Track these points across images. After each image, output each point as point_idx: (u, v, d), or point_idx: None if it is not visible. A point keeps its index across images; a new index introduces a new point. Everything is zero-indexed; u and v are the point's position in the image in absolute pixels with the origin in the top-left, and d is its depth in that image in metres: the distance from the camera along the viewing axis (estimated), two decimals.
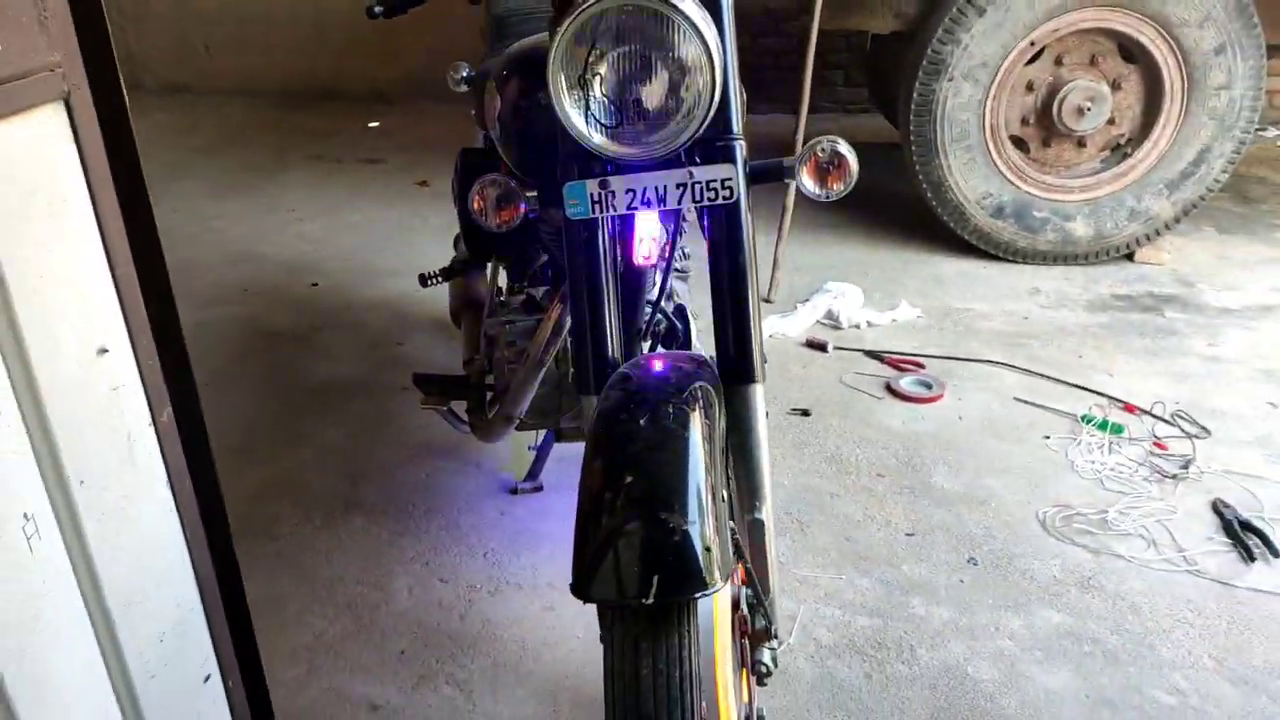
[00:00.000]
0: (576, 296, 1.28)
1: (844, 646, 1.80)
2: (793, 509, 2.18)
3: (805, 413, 2.57)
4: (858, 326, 3.06)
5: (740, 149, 1.23)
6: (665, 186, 1.20)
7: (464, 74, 2.08)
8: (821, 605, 1.90)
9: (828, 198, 1.27)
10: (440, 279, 2.25)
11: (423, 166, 4.27)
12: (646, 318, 1.57)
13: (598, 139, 1.16)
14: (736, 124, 1.24)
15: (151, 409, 0.83)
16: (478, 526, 2.13)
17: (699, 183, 1.20)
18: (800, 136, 3.23)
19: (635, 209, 1.22)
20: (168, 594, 0.89)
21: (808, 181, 1.26)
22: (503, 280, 2.16)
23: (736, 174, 1.20)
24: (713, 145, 1.22)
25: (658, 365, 1.22)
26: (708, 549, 0.95)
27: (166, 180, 4.44)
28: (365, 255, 3.58)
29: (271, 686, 1.72)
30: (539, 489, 2.21)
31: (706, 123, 1.15)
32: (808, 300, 3.19)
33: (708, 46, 1.11)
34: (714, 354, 1.30)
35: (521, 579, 1.98)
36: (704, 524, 0.96)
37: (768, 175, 1.27)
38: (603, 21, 1.12)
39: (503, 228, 1.37)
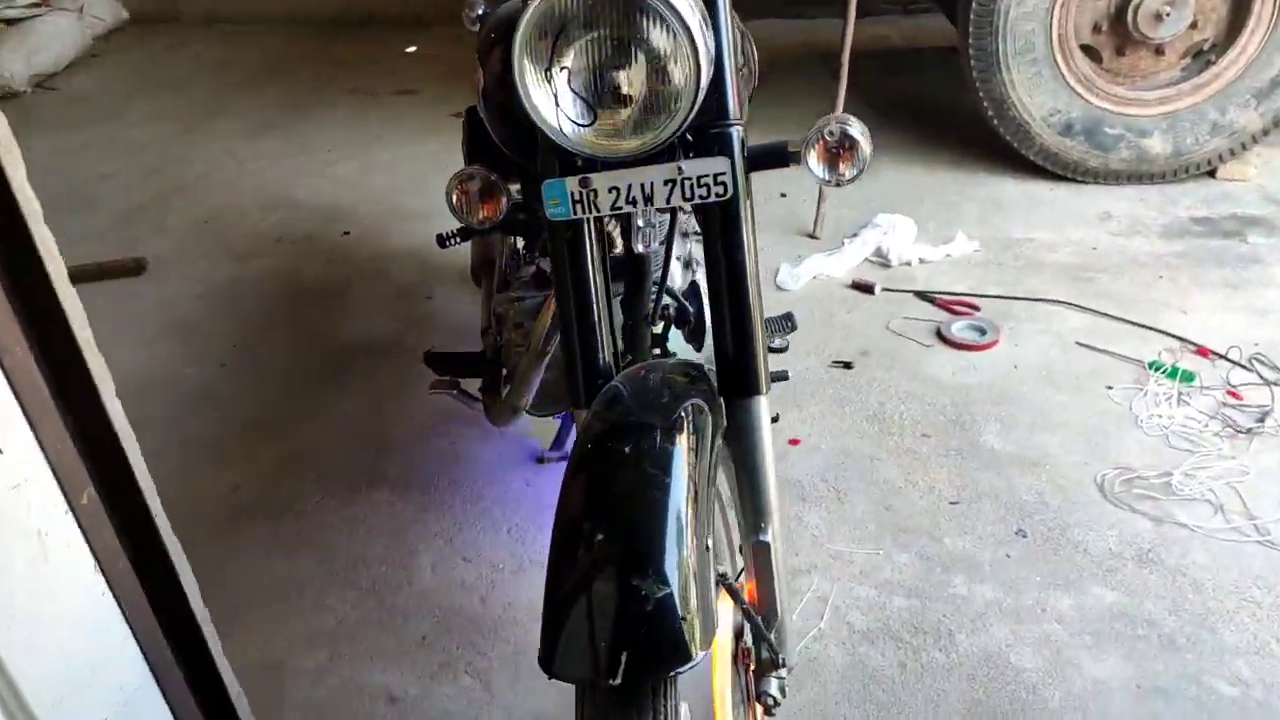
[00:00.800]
0: (563, 303, 1.18)
1: (878, 631, 1.71)
2: (829, 475, 2.07)
3: (847, 365, 2.43)
4: (909, 264, 2.88)
5: (737, 136, 1.09)
6: (652, 184, 1.08)
7: (479, 12, 1.94)
8: (856, 584, 1.81)
9: (837, 184, 1.13)
10: (459, 240, 2.15)
11: (458, 96, 4.11)
12: (655, 302, 1.46)
13: (571, 134, 1.04)
14: (733, 107, 1.10)
15: (67, 495, 0.77)
16: (502, 499, 2.07)
17: (689, 178, 1.07)
18: (847, 49, 2.96)
19: (620, 209, 1.10)
20: (108, 679, 0.84)
21: (816, 165, 1.12)
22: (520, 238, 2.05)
23: (731, 167, 1.07)
24: (706, 134, 1.09)
25: (650, 380, 1.12)
26: (685, 618, 0.86)
27: (202, 118, 4.38)
28: (397, 197, 3.48)
29: (290, 676, 1.73)
30: (565, 458, 2.14)
31: (692, 115, 1.02)
32: (856, 236, 3.01)
33: (689, 30, 0.97)
34: None
35: (545, 557, 1.91)
36: (683, 587, 0.87)
37: (770, 160, 1.13)
38: (570, 5, 0.98)
39: (486, 223, 1.27)
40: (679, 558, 0.89)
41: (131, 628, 0.86)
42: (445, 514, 2.06)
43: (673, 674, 0.86)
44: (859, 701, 1.59)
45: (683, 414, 1.04)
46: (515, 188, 1.33)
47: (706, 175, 1.07)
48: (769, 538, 1.17)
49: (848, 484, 2.05)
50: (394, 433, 2.32)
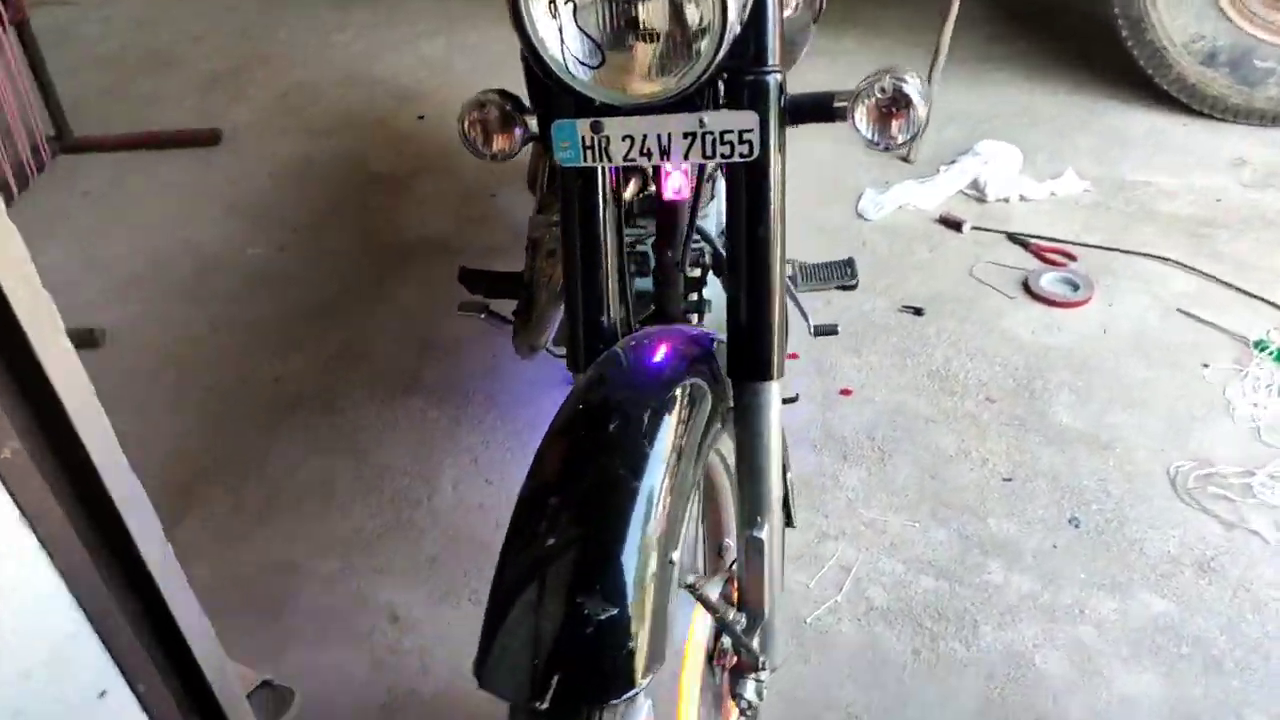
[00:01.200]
0: (569, 257, 1.08)
1: (898, 612, 1.62)
2: (877, 433, 1.95)
3: (918, 311, 2.27)
4: (1006, 200, 2.65)
5: (774, 85, 0.95)
6: (669, 135, 0.96)
7: None
8: (884, 557, 1.71)
9: (886, 147, 0.98)
10: None
11: None
12: (684, 245, 1.35)
13: (579, 74, 0.93)
14: (774, 50, 0.95)
15: None
16: (533, 422, 2.02)
17: (711, 133, 0.94)
18: None
19: (633, 161, 0.98)
20: (34, 629, 0.82)
21: (863, 125, 0.97)
22: None
23: (761, 124, 0.93)
24: (738, 80, 0.95)
25: (650, 352, 1.03)
26: (631, 643, 0.79)
27: None
28: (477, 82, 3.33)
29: (303, 580, 1.75)
30: None
31: (717, 60, 0.88)
32: (953, 163, 2.78)
33: None
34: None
35: None
36: (635, 607, 0.80)
37: (811, 114, 0.99)
38: None
39: (500, 155, 1.16)
40: (635, 573, 0.82)
41: (66, 581, 0.84)
42: (475, 430, 2.02)
43: (604, 705, 0.79)
44: (865, 685, 1.52)
45: (678, 394, 0.96)
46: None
47: (731, 131, 0.94)
48: (764, 534, 1.07)
49: (895, 445, 1.93)
50: (438, 335, 2.28)
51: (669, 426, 0.93)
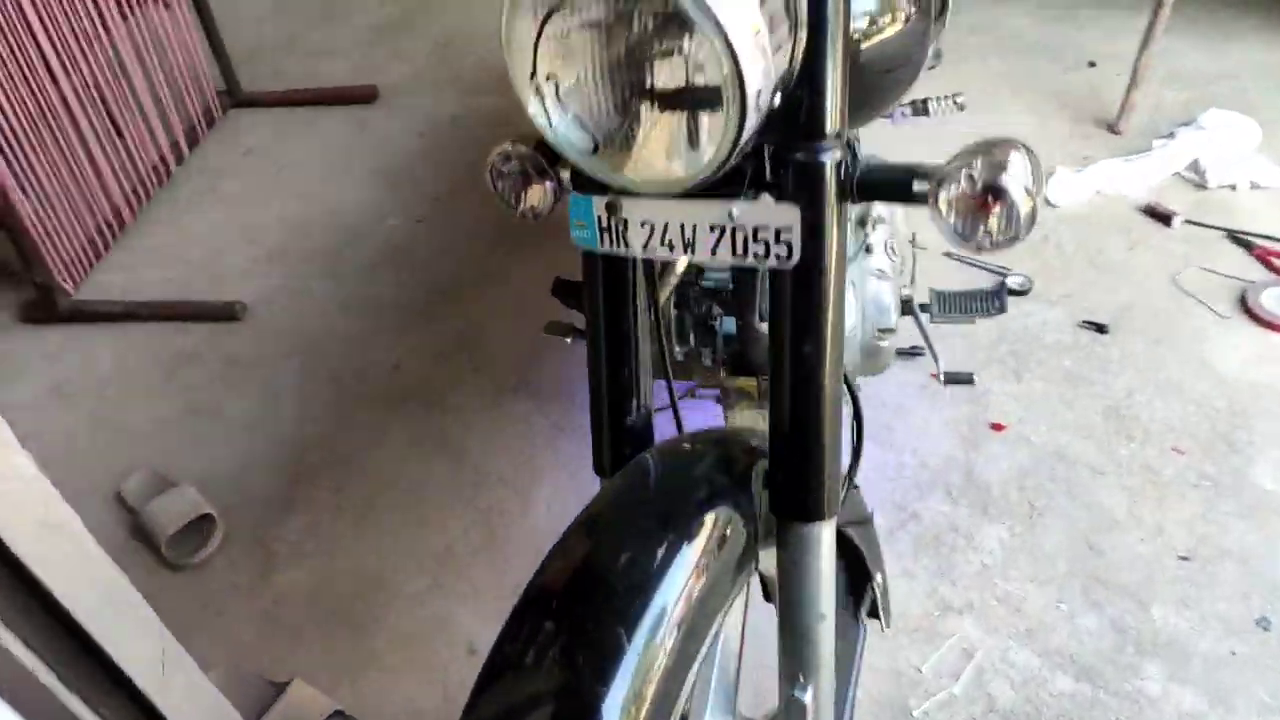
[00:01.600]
0: (593, 347, 0.92)
1: (1025, 717, 1.38)
2: (1028, 483, 1.67)
3: (1101, 328, 1.93)
4: (1232, 188, 2.21)
5: (829, 165, 0.72)
6: (694, 226, 0.77)
7: None
8: (1016, 644, 1.47)
9: (978, 248, 0.74)
10: None
11: None
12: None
13: (571, 153, 0.75)
14: (833, 116, 0.72)
15: None
16: None
17: (741, 228, 0.75)
18: None
19: (653, 251, 0.80)
20: None
21: (949, 216, 0.73)
22: None
23: (807, 219, 0.72)
24: (782, 160, 0.73)
25: (686, 467, 0.88)
26: None
27: None
28: None
29: (391, 598, 1.71)
30: (717, 396, 1.88)
31: (739, 149, 0.68)
32: (1171, 137, 2.35)
33: (718, 23, 0.62)
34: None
35: None
36: None
37: (881, 191, 0.76)
38: None
39: (532, 214, 1.00)
40: None
41: None
42: (577, 440, 1.90)
43: None
44: None
45: (707, 524, 0.81)
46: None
47: (765, 228, 0.74)
48: (808, 698, 0.89)
49: (1049, 500, 1.65)
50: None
51: (685, 570, 0.77)
